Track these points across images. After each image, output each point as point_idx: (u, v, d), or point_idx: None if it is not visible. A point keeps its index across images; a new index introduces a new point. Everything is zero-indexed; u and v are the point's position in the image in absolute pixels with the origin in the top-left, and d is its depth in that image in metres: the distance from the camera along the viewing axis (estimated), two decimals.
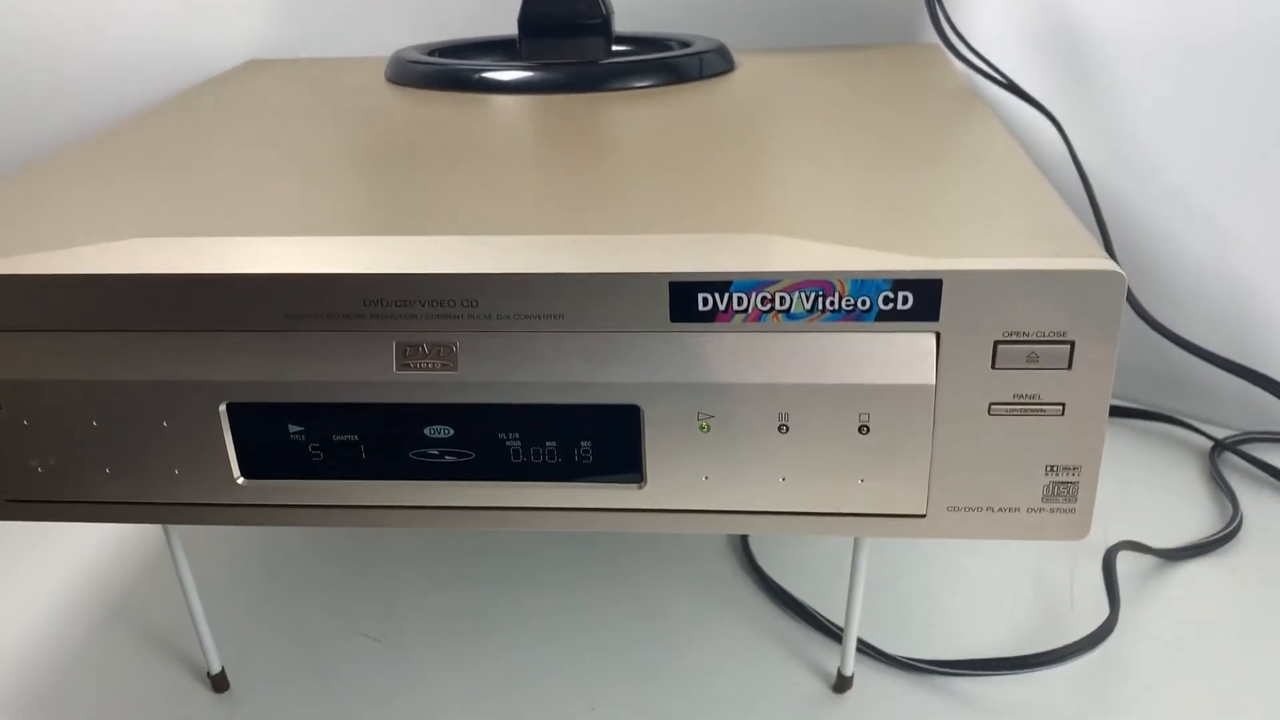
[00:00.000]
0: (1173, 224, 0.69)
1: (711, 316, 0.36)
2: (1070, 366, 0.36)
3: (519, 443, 0.38)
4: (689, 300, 0.35)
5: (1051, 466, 0.37)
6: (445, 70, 0.64)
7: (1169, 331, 0.65)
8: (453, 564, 0.60)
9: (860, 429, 0.37)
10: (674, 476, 0.38)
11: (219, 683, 0.51)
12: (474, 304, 0.36)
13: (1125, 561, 0.58)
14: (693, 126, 0.53)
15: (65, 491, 0.40)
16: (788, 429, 0.37)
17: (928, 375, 0.36)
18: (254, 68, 0.73)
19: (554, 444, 0.38)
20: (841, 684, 0.50)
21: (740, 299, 0.35)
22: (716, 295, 0.35)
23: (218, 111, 0.60)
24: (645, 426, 0.37)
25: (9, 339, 0.39)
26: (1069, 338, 0.35)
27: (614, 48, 0.68)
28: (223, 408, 0.38)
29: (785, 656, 0.53)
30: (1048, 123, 0.67)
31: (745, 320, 0.36)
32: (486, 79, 0.62)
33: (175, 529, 0.48)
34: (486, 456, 0.39)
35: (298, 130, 0.55)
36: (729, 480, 0.38)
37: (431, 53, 0.69)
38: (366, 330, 0.37)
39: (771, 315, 0.35)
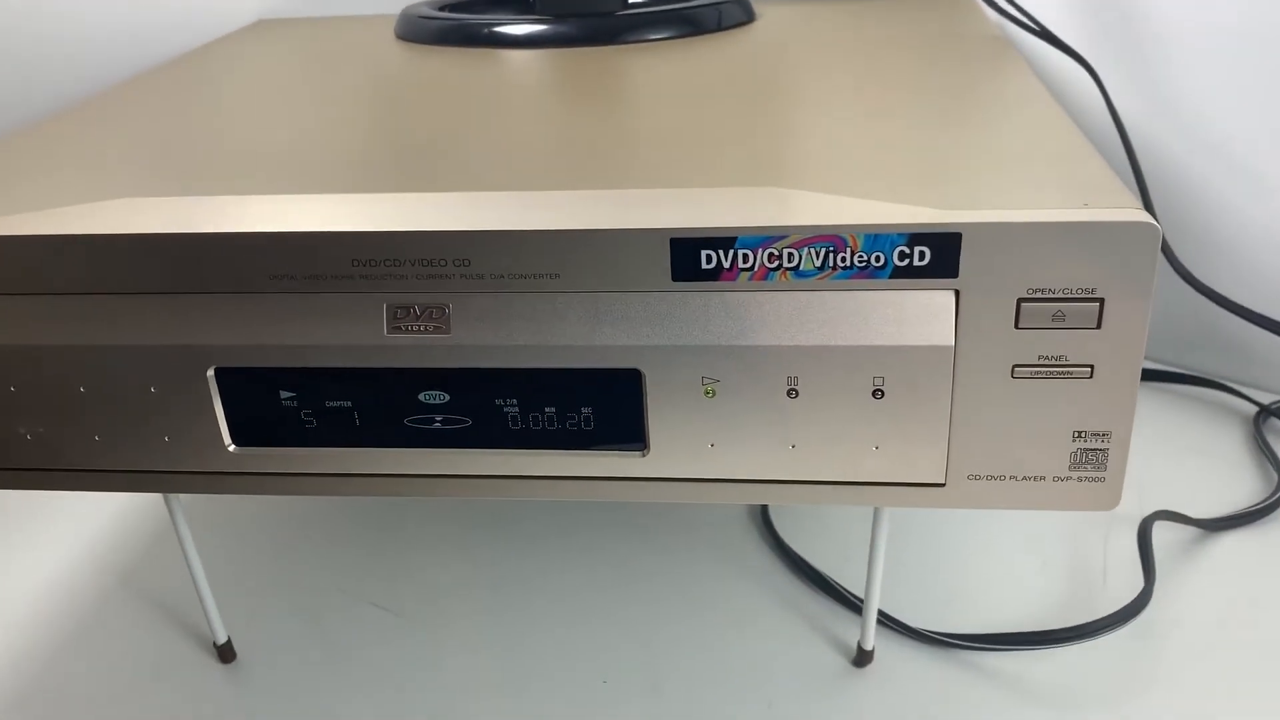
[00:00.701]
0: (1214, 177, 0.66)
1: (716, 275, 0.34)
2: (1099, 325, 0.33)
3: (516, 409, 0.37)
4: (691, 258, 0.33)
5: (1079, 433, 0.35)
6: (455, 25, 0.62)
7: (1210, 290, 0.62)
8: (466, 533, 0.59)
9: (874, 393, 0.35)
10: (678, 444, 0.36)
11: (225, 653, 0.50)
12: (466, 263, 0.34)
13: (1162, 532, 0.56)
14: (708, 80, 0.51)
15: (55, 459, 0.39)
16: (797, 393, 0.35)
17: (946, 336, 0.34)
18: (261, 28, 0.72)
19: (553, 410, 0.36)
20: (862, 658, 0.49)
21: (746, 256, 0.33)
22: (720, 252, 0.33)
23: (221, 72, 0.59)
24: (647, 391, 0.36)
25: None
26: (1098, 295, 0.33)
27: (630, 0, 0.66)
28: (211, 372, 0.37)
29: (805, 629, 0.51)
30: (1084, 73, 0.64)
31: (751, 279, 0.34)
32: (497, 33, 0.60)
33: (177, 498, 0.47)
34: (483, 423, 0.37)
35: (301, 89, 0.53)
36: (736, 448, 0.36)
37: (442, 8, 0.67)
38: (356, 292, 0.35)
39: (779, 273, 0.33)
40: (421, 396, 0.37)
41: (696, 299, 0.34)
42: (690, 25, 0.61)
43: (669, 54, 0.57)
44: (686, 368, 0.35)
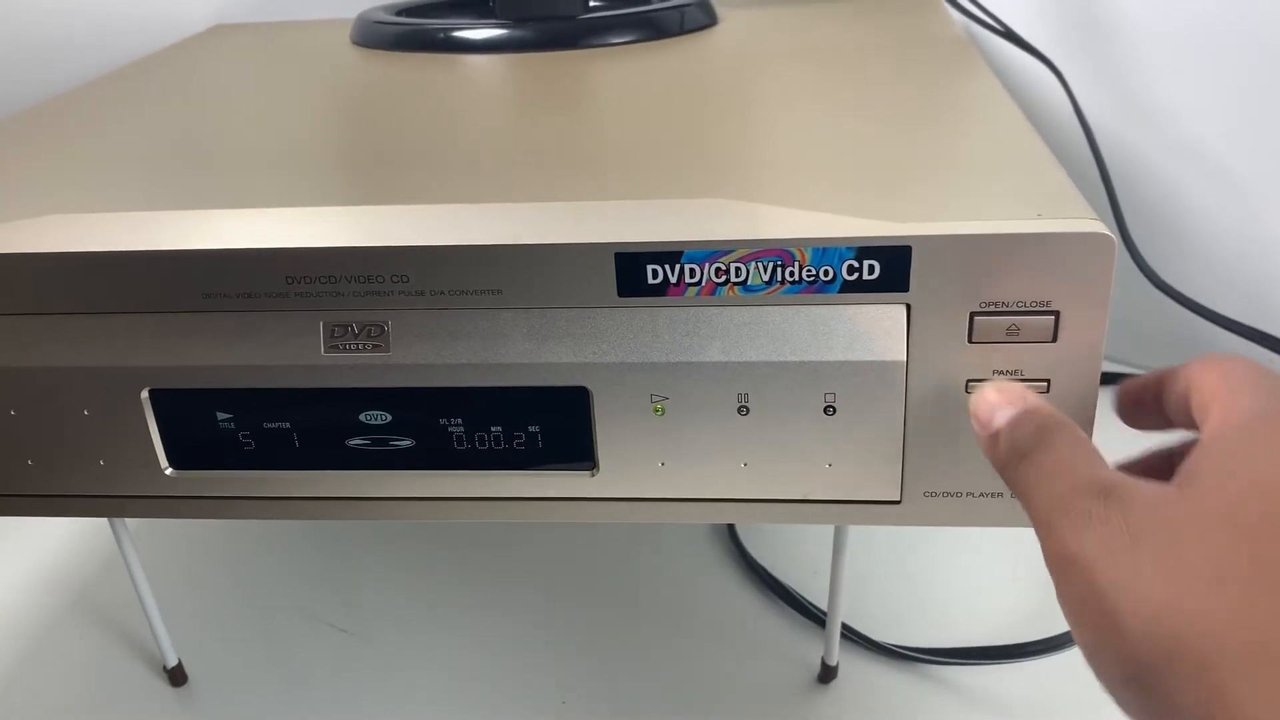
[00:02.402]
0: (1184, 179, 0.65)
1: (662, 290, 0.33)
2: (1055, 339, 0.32)
3: (461, 428, 0.36)
4: (637, 273, 0.32)
5: None
6: (411, 30, 0.60)
7: (1176, 292, 0.61)
8: (421, 550, 0.58)
9: (826, 409, 0.34)
10: (628, 463, 0.35)
11: (176, 676, 0.49)
12: (404, 279, 0.33)
13: None
14: (667, 86, 0.50)
15: None
16: (748, 410, 0.34)
17: (898, 351, 0.33)
18: (219, 33, 0.70)
19: (498, 430, 0.35)
20: (826, 673, 0.48)
21: (693, 270, 0.32)
22: (667, 267, 0.32)
23: (173, 79, 0.57)
24: (595, 409, 0.35)
25: None
26: (1054, 308, 0.32)
27: (591, 3, 0.65)
28: (145, 394, 0.36)
29: (770, 644, 0.50)
30: (1050, 74, 0.63)
31: (699, 294, 0.33)
32: (454, 38, 0.59)
33: (122, 520, 0.46)
34: (426, 444, 0.36)
35: (252, 97, 0.52)
36: (687, 466, 0.35)
37: (400, 12, 0.66)
38: (292, 310, 0.34)
39: (727, 288, 0.32)
40: (362, 417, 0.36)
41: (644, 314, 0.33)
42: (652, 29, 0.60)
43: (630, 58, 0.56)
44: (635, 385, 0.34)
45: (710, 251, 0.32)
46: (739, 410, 0.34)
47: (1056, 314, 0.32)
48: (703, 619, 0.52)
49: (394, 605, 0.54)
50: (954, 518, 0.36)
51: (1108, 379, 0.37)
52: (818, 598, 0.52)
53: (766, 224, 0.32)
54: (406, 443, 0.36)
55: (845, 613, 0.47)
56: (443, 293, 0.33)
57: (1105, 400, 0.33)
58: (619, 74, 0.52)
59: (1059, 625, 0.49)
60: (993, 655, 0.48)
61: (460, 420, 0.35)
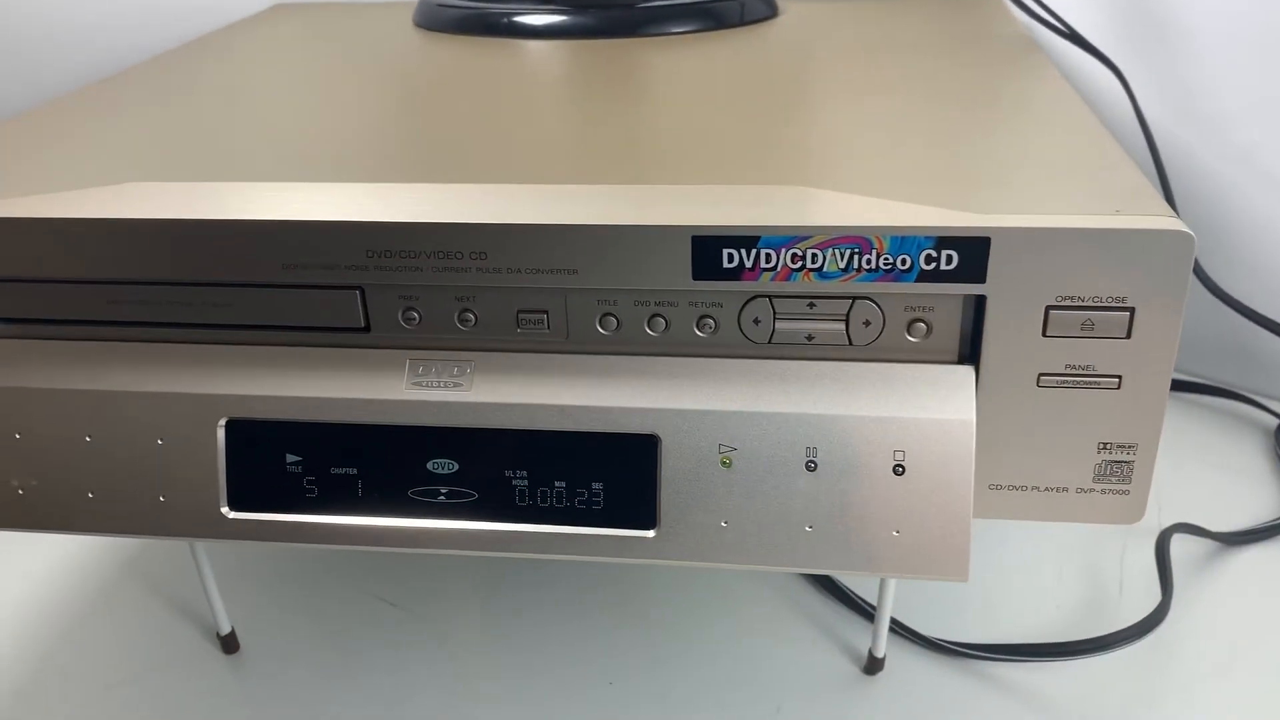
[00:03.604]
0: (1242, 186, 0.65)
1: (737, 275, 0.33)
2: (1129, 335, 0.32)
3: (525, 482, 0.35)
4: (713, 256, 0.33)
5: (1104, 444, 0.34)
6: (474, 14, 0.61)
7: (1232, 299, 0.61)
8: None
9: (895, 468, 0.33)
10: (690, 523, 0.35)
11: (229, 643, 0.50)
12: (482, 256, 0.34)
13: (1180, 545, 0.55)
14: (730, 75, 0.50)
15: (40, 519, 0.37)
16: (816, 466, 0.34)
17: (967, 409, 0.33)
18: (278, 13, 0.71)
19: (562, 483, 0.35)
20: (873, 665, 0.48)
21: (769, 256, 0.32)
22: (743, 251, 0.33)
23: (236, 56, 0.58)
24: (663, 459, 0.34)
25: (13, 345, 0.37)
26: (1129, 304, 0.32)
27: None
28: (221, 424, 0.36)
29: (815, 634, 0.50)
30: (1110, 76, 0.63)
31: (774, 279, 0.33)
32: (516, 23, 0.60)
33: None
34: (490, 496, 0.36)
35: (316, 77, 0.53)
36: (750, 527, 0.34)
37: None
38: (378, 346, 0.35)
39: (802, 274, 0.33)
40: (430, 465, 0.36)
41: (718, 364, 0.34)
42: (712, 19, 0.61)
43: (690, 48, 0.56)
44: (705, 433, 0.34)
45: (787, 237, 0.32)
46: (807, 465, 0.34)
47: (1131, 310, 0.32)
48: (748, 608, 0.52)
49: (446, 583, 0.54)
50: (1017, 511, 0.36)
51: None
52: (861, 588, 0.52)
53: (844, 211, 0.32)
54: (470, 495, 0.36)
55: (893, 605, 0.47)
56: (519, 270, 0.34)
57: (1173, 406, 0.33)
58: (681, 63, 0.53)
59: (1107, 625, 0.49)
60: (1040, 653, 0.48)
61: (525, 472, 0.35)
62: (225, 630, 0.50)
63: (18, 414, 0.37)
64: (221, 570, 0.56)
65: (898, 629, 0.49)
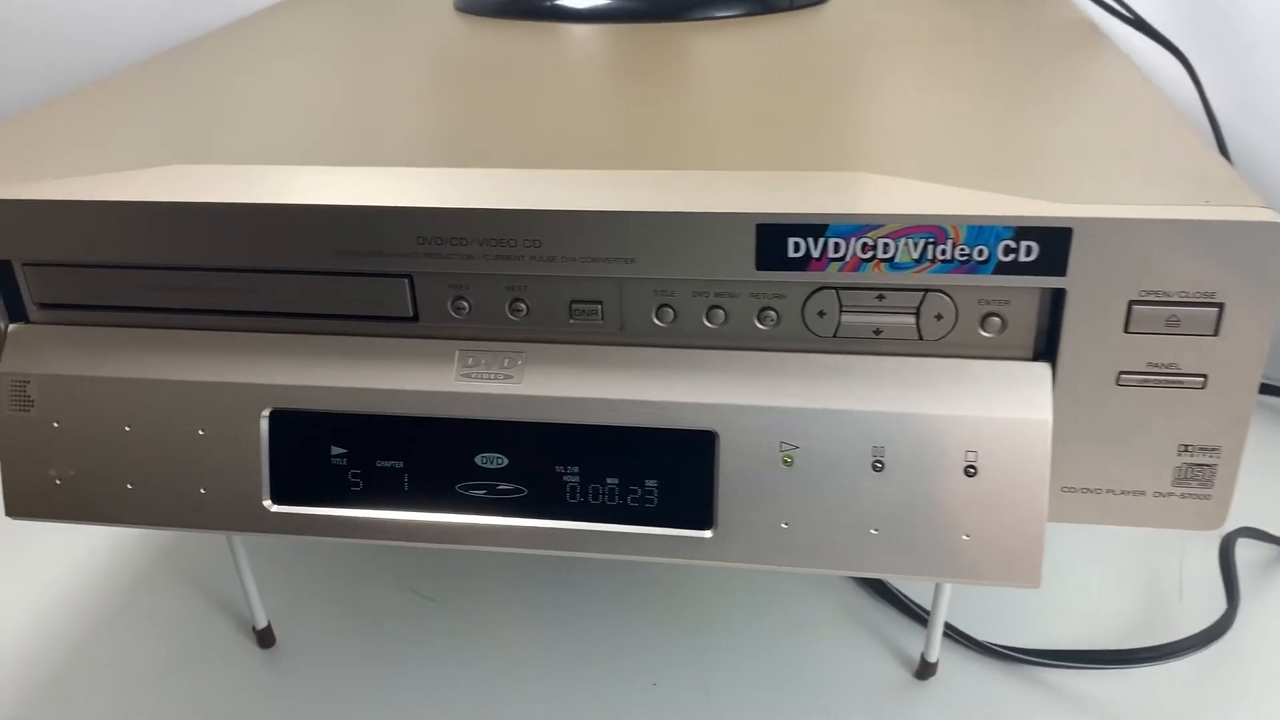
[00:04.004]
0: None
1: (804, 265, 0.31)
2: (1217, 333, 0.31)
3: (576, 477, 0.34)
4: (778, 245, 0.31)
5: (1186, 446, 0.33)
6: None
7: None
8: None
9: (967, 469, 0.32)
10: (748, 523, 0.33)
11: (265, 638, 0.49)
12: (536, 244, 0.32)
13: (1244, 550, 0.53)
14: (783, 60, 0.48)
15: (77, 511, 0.37)
16: (882, 466, 0.32)
17: (1043, 408, 0.31)
18: None
19: (614, 480, 0.34)
20: (925, 670, 0.46)
21: (838, 245, 0.31)
22: (810, 240, 0.31)
23: (274, 40, 0.57)
24: (720, 457, 0.33)
25: (51, 331, 0.36)
26: (1218, 299, 0.30)
27: None
28: (265, 414, 0.35)
29: (866, 638, 0.49)
30: (1175, 64, 0.61)
31: (842, 270, 0.31)
32: (560, 7, 0.58)
33: None
34: (538, 492, 0.35)
35: (357, 61, 0.52)
36: (812, 530, 0.33)
37: None
38: (428, 337, 0.34)
39: (873, 264, 0.31)
40: (478, 460, 0.35)
41: (777, 358, 0.32)
42: (760, 4, 0.59)
43: (738, 32, 0.54)
44: (766, 430, 0.33)
45: (858, 226, 0.31)
46: (874, 466, 0.32)
47: (1220, 306, 0.30)
48: (795, 608, 0.51)
49: (484, 577, 0.53)
50: (1091, 515, 0.34)
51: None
52: (912, 591, 0.50)
53: (918, 199, 0.31)
54: (518, 491, 0.35)
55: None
56: (574, 259, 0.32)
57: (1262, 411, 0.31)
58: (731, 47, 0.51)
59: (1164, 634, 0.47)
60: (1100, 660, 0.46)
61: (577, 468, 0.34)
62: (261, 624, 0.49)
63: (56, 402, 0.36)
64: (257, 563, 0.55)
65: (950, 633, 0.48)
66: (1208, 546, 0.53)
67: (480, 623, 0.50)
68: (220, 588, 0.53)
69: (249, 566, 0.47)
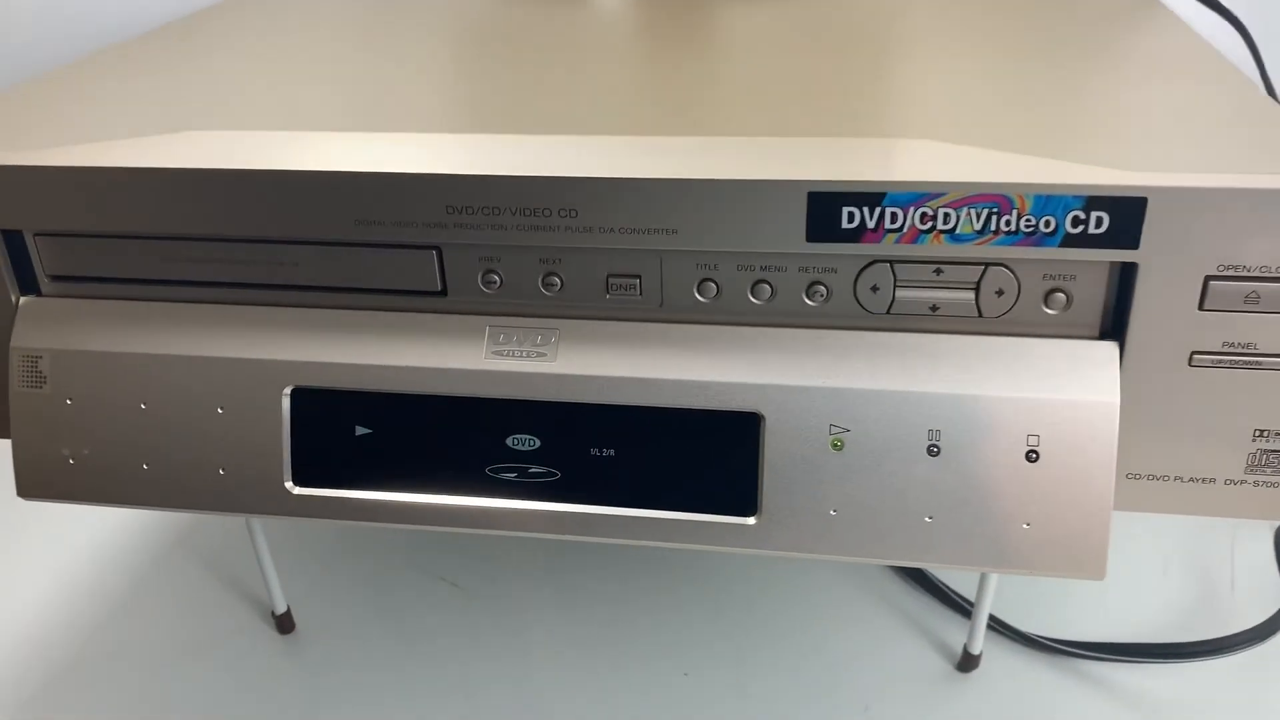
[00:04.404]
0: None
1: (857, 236, 0.30)
2: None
3: (612, 460, 0.32)
4: (831, 215, 0.29)
5: (1261, 431, 0.31)
6: None
7: None
8: None
9: (1029, 454, 0.30)
10: (795, 509, 0.31)
11: (284, 623, 0.48)
12: (572, 213, 0.31)
13: None
14: (828, 23, 0.46)
15: (91, 491, 0.35)
16: (938, 450, 0.30)
17: (1110, 390, 0.29)
18: None
19: (653, 464, 0.32)
20: (967, 662, 0.45)
21: (894, 215, 0.29)
22: (865, 210, 0.29)
23: (296, 6, 0.55)
24: (765, 441, 0.31)
25: (64, 304, 0.35)
26: None
27: None
28: (287, 392, 0.33)
29: (906, 629, 0.47)
30: (1234, 36, 0.59)
31: (899, 241, 0.29)
32: None
33: None
34: (572, 475, 0.33)
35: (379, 24, 0.50)
36: (862, 516, 0.31)
37: None
38: (456, 312, 0.32)
39: (932, 236, 0.29)
40: (509, 441, 0.33)
41: (828, 336, 0.31)
42: None
43: None
44: (814, 412, 0.31)
45: (917, 194, 0.29)
46: (929, 450, 0.31)
47: None
48: (833, 596, 0.49)
49: (511, 563, 0.52)
50: (1157, 504, 0.32)
51: None
52: (954, 581, 0.49)
53: (981, 167, 0.29)
54: (551, 474, 0.33)
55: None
56: (613, 230, 0.31)
57: None
58: (774, 9, 0.49)
59: (1212, 629, 0.45)
60: (1151, 653, 0.44)
61: (613, 450, 0.32)
62: (281, 609, 0.47)
63: (69, 379, 0.34)
64: (276, 546, 0.53)
65: (993, 624, 0.46)
66: (1258, 535, 0.51)
67: (505, 608, 0.49)
68: (239, 572, 0.52)
69: (268, 550, 0.46)
